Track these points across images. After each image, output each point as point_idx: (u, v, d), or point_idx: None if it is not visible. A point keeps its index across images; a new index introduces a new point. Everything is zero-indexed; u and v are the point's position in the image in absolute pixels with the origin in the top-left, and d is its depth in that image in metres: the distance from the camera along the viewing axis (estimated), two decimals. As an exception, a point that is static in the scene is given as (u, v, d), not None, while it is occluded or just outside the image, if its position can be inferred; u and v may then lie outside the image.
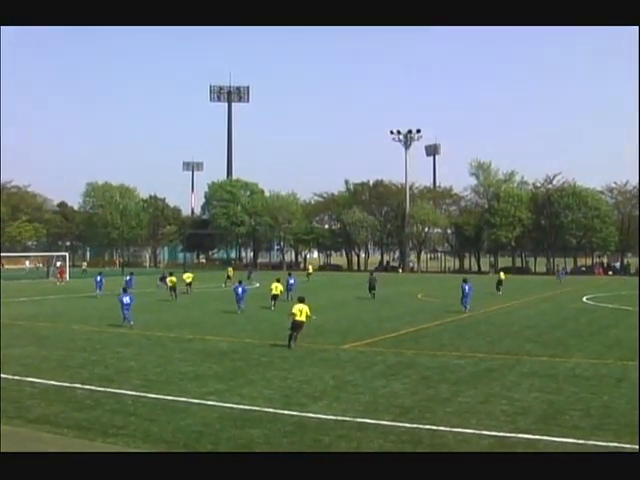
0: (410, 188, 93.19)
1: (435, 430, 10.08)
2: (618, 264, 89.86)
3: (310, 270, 67.15)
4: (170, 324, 24.55)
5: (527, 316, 28.43)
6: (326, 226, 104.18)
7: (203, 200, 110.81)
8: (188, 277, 41.08)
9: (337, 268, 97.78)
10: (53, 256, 67.98)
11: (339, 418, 10.76)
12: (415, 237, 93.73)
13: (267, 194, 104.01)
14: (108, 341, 19.95)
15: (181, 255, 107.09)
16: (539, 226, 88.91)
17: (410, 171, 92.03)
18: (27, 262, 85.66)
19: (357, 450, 9.04)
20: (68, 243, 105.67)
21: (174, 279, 36.42)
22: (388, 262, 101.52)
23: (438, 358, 17.06)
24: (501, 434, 9.87)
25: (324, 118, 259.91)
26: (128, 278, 40.72)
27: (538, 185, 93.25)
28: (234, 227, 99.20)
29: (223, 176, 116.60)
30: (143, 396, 12.35)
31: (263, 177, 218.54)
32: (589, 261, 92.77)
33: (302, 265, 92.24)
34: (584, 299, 38.41)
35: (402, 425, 10.34)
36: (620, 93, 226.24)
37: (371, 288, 37.75)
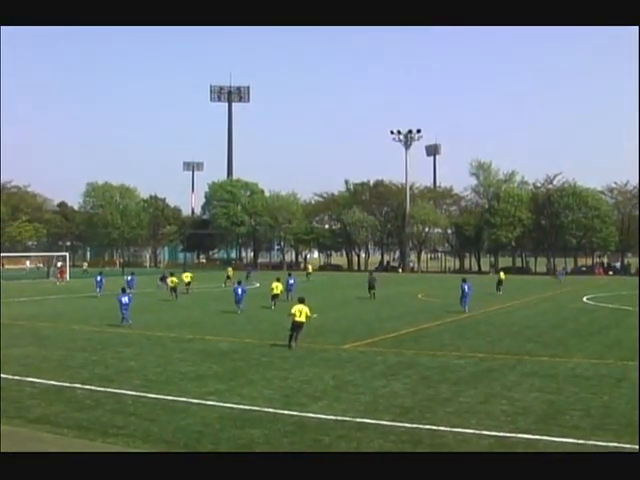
0: (410, 188, 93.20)
1: (435, 430, 10.08)
2: (618, 264, 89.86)
3: (309, 270, 67.20)
4: (170, 324, 24.56)
5: (527, 316, 28.42)
6: (326, 226, 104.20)
7: (203, 200, 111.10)
8: (187, 277, 41.11)
9: (337, 268, 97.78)
10: (53, 256, 67.97)
11: (339, 418, 10.76)
12: (415, 237, 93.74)
13: (267, 194, 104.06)
14: (108, 341, 19.95)
15: (181, 255, 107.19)
16: (539, 226, 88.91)
17: (410, 171, 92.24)
18: (27, 262, 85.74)
19: (357, 450, 9.04)
20: (68, 243, 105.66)
21: (175, 279, 36.44)
22: (388, 262, 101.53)
23: (438, 358, 17.06)
24: (501, 434, 9.87)
25: (324, 118, 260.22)
26: (129, 278, 40.75)
27: (538, 185, 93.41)
28: (234, 227, 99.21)
29: (223, 176, 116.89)
30: (143, 396, 12.35)
31: (263, 177, 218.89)
32: (589, 261, 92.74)
33: (302, 265, 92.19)
34: (584, 299, 38.40)
35: (402, 425, 10.34)
36: (620, 93, 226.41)
37: (370, 288, 37.79)
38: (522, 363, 16.28)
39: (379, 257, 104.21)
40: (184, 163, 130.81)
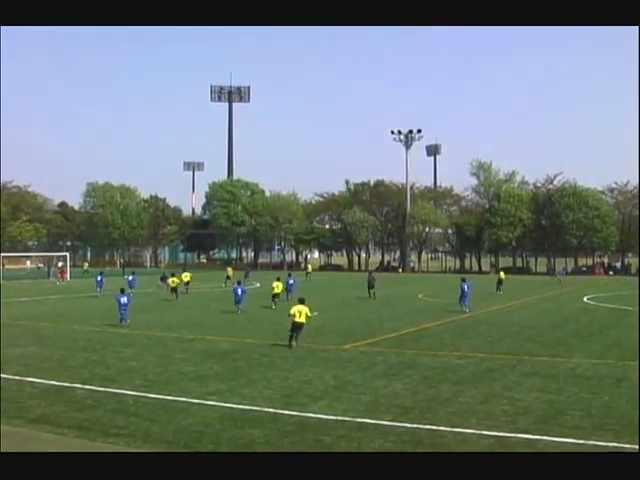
0: (411, 188, 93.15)
1: (435, 430, 10.08)
2: (619, 264, 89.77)
3: (309, 269, 67.27)
4: (171, 324, 24.57)
5: (528, 316, 28.42)
6: (327, 226, 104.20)
7: (204, 200, 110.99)
8: (186, 276, 41.14)
9: (338, 268, 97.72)
10: (54, 256, 67.98)
11: (340, 418, 10.76)
12: (416, 237, 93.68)
13: (268, 194, 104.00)
14: (109, 341, 19.96)
15: (182, 255, 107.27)
16: (540, 226, 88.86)
17: (411, 171, 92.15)
18: (28, 262, 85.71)
19: (357, 450, 9.04)
20: (69, 243, 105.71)
21: (176, 280, 36.47)
22: (389, 262, 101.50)
23: (439, 358, 17.07)
24: (501, 434, 9.87)
25: (325, 118, 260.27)
26: (131, 278, 40.77)
27: (539, 185, 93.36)
28: (235, 227, 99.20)
29: (224, 176, 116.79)
30: (144, 396, 12.35)
31: (264, 177, 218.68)
32: (590, 261, 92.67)
33: (303, 265, 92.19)
34: (585, 299, 38.38)
35: (403, 425, 10.34)
36: (620, 93, 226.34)
37: (370, 287, 37.78)
38: (522, 363, 16.28)
39: (379, 257, 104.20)
40: (184, 163, 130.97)
